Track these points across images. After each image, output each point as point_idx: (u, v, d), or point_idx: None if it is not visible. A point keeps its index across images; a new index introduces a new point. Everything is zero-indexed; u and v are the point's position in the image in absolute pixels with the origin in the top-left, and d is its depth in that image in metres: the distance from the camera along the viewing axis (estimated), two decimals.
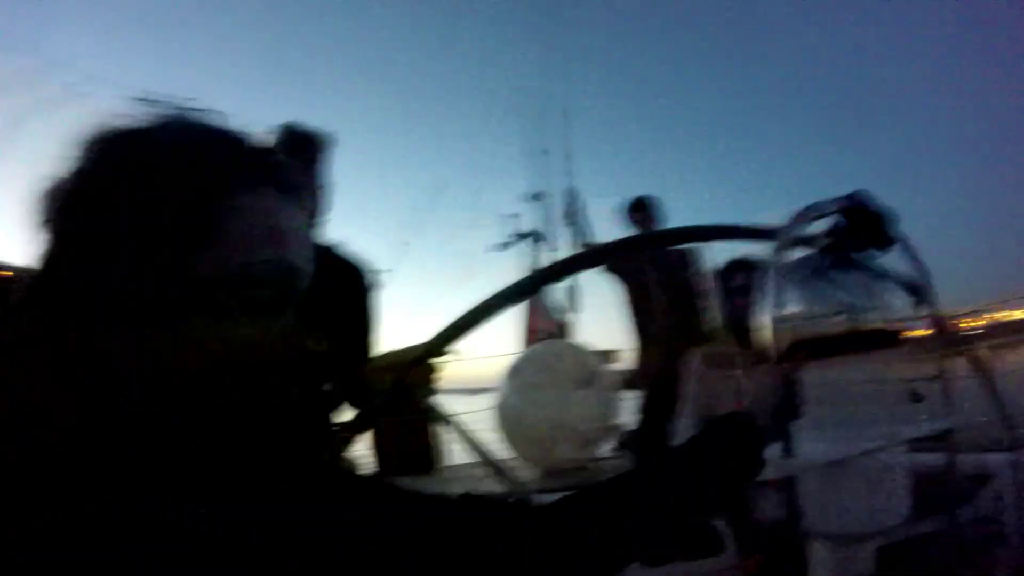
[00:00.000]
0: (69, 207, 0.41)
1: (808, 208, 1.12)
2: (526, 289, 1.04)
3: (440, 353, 1.03)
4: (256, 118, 0.48)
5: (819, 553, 0.83)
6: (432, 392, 1.10)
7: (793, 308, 1.09)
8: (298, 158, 1.40)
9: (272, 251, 0.43)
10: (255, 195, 0.43)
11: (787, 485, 0.99)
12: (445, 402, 1.12)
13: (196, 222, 0.40)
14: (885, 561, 0.88)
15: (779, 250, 1.14)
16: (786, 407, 1.05)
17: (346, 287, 1.50)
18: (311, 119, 1.51)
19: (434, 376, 1.04)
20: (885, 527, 0.91)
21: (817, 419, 0.99)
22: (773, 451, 1.20)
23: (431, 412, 1.10)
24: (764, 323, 1.08)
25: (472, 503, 0.53)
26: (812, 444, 0.97)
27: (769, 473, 1.16)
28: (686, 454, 0.57)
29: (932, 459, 0.94)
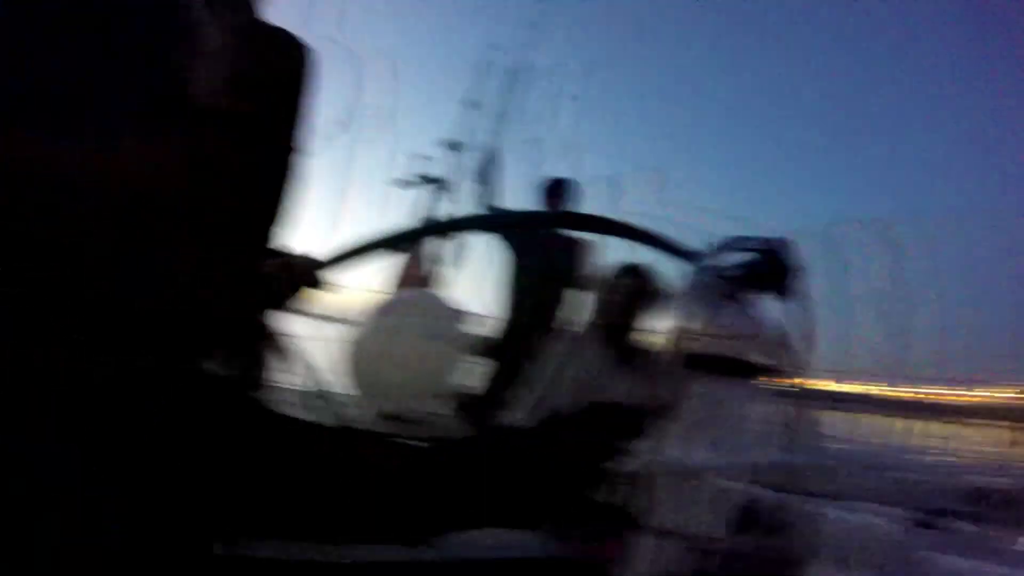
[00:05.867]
0: None
1: (735, 240, 1.18)
2: (422, 234, 1.05)
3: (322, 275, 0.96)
4: None
5: (667, 549, 0.92)
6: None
7: (695, 323, 1.15)
8: None
9: None
10: None
11: (647, 481, 1.07)
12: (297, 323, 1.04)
13: None
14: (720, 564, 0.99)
15: (698, 271, 1.18)
16: (663, 409, 1.14)
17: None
18: None
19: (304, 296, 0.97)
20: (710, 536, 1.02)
21: (688, 427, 1.07)
22: (640, 446, 1.28)
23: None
24: (662, 329, 1.12)
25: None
26: (677, 449, 1.04)
27: (632, 466, 1.24)
28: (571, 426, 0.58)
29: (758, 490, 1.07)
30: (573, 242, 3.19)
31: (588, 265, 3.15)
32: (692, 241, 1.29)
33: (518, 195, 3.56)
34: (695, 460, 1.00)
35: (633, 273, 2.24)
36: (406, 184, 4.17)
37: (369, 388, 2.78)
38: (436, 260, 3.89)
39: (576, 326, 2.73)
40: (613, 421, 0.79)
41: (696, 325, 1.10)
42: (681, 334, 1.12)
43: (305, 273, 0.94)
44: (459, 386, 2.99)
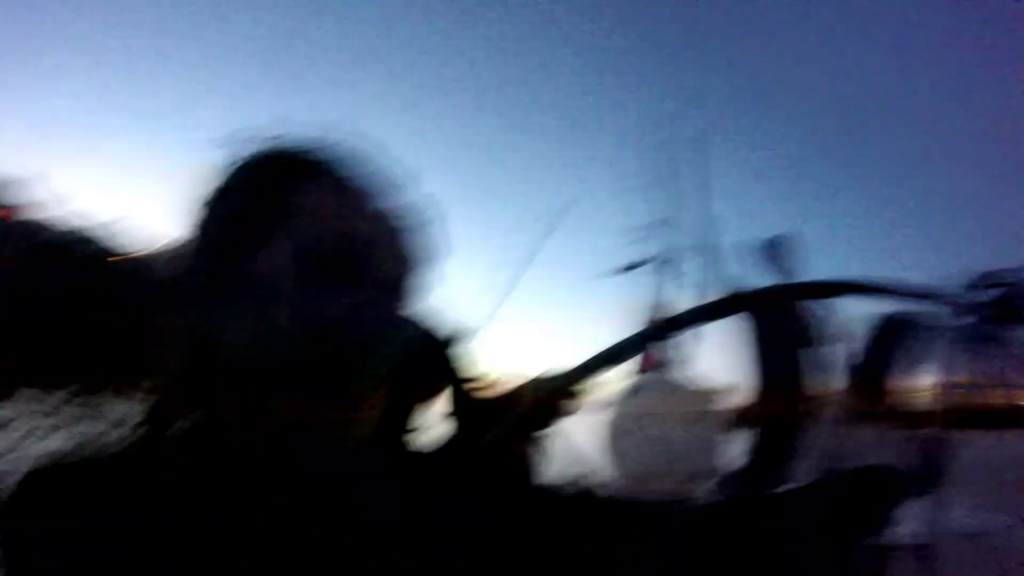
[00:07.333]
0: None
1: (986, 275, 1.06)
2: (666, 331, 1.02)
3: (568, 390, 0.97)
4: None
5: None
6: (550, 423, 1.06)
7: (955, 374, 1.04)
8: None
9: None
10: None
11: (922, 552, 0.96)
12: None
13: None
14: None
15: (949, 313, 1.08)
16: (933, 471, 0.99)
17: None
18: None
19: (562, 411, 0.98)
20: None
21: (960, 488, 0.96)
22: (910, 513, 1.14)
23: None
24: (923, 384, 1.03)
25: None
26: (951, 513, 0.93)
27: (904, 537, 1.10)
28: (816, 496, 0.56)
29: None
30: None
31: (832, 322, 2.89)
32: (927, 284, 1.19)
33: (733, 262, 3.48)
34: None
35: (887, 326, 2.03)
36: (628, 269, 4.32)
37: (631, 473, 2.89)
38: (673, 344, 3.88)
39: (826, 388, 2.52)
40: (880, 486, 0.75)
41: (962, 375, 1.00)
42: (946, 386, 1.04)
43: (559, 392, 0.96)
44: (717, 463, 2.91)
